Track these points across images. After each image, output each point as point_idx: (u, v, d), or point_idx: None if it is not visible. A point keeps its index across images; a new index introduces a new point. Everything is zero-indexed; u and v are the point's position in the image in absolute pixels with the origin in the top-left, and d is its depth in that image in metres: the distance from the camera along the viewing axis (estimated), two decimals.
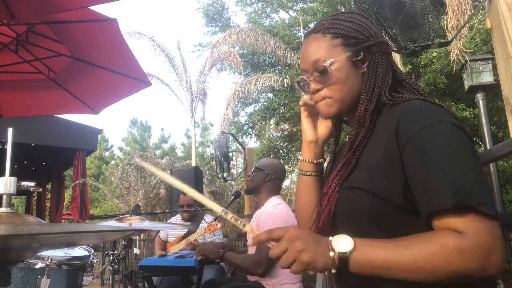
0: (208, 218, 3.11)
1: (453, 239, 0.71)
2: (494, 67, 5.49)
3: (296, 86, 1.08)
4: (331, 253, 0.77)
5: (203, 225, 3.26)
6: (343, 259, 0.76)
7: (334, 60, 0.95)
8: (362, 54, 0.96)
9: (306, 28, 13.23)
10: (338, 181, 0.91)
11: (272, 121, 15.83)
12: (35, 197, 10.13)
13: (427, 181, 0.77)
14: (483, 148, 8.34)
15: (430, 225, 0.78)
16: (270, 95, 15.04)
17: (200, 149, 27.68)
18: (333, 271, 0.77)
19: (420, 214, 0.80)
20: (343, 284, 0.96)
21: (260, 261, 2.11)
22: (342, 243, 0.77)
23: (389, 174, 0.83)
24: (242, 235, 5.90)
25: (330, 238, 0.78)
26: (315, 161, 1.10)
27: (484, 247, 0.70)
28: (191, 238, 3.07)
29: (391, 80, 0.96)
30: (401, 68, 9.15)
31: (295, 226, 0.83)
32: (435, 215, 0.76)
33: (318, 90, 0.99)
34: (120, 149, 30.72)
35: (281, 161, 16.03)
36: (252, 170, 2.45)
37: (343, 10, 12.96)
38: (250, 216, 3.74)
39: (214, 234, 3.33)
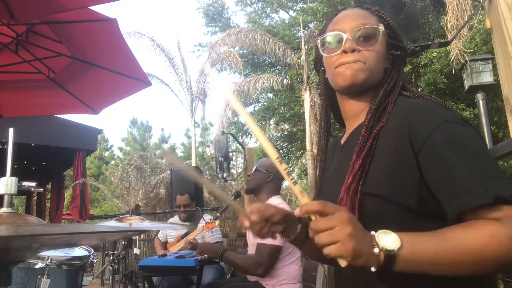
0: (207, 217, 3.13)
1: (501, 228, 0.70)
2: (494, 67, 5.49)
3: (317, 44, 1.01)
4: (376, 250, 0.69)
5: (201, 224, 3.27)
6: (390, 257, 0.69)
7: (383, 32, 0.95)
8: (393, 50, 0.99)
9: (306, 28, 13.23)
10: (355, 187, 0.86)
11: (272, 121, 15.84)
12: (35, 197, 10.13)
13: (452, 180, 0.75)
14: None
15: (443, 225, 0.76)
16: (270, 95, 15.05)
17: (200, 149, 27.69)
18: (372, 269, 0.70)
19: (436, 217, 0.79)
20: (343, 281, 0.96)
21: (260, 261, 2.11)
22: (388, 239, 0.70)
23: (401, 177, 0.82)
24: (242, 235, 5.89)
25: (373, 232, 0.72)
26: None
27: None
28: (190, 237, 3.08)
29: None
30: None
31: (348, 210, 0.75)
32: (468, 213, 0.74)
33: (353, 51, 0.93)
34: (120, 149, 30.73)
35: None
36: (253, 170, 2.45)
37: None
38: None
39: (212, 232, 3.34)
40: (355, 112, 1.00)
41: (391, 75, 0.96)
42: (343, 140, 1.07)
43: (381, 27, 0.95)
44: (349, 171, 0.89)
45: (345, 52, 0.93)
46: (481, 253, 0.69)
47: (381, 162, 0.85)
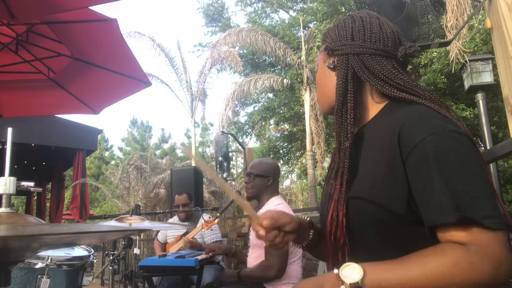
0: (206, 216, 3.13)
1: (464, 255, 0.71)
2: (494, 67, 5.49)
3: None
4: (342, 287, 0.73)
5: (200, 222, 3.27)
6: None
7: (317, 64, 1.08)
8: (331, 58, 1.01)
9: (306, 28, 13.24)
10: (340, 190, 0.90)
11: (272, 121, 15.84)
12: (35, 197, 10.13)
13: (430, 193, 0.76)
14: (483, 148, 8.33)
15: (433, 235, 0.78)
16: (270, 95, 15.05)
17: (200, 149, 27.70)
18: None
19: (424, 223, 0.79)
20: None
21: (271, 264, 2.10)
22: (351, 272, 0.74)
23: (392, 183, 0.82)
24: (242, 235, 5.89)
25: (336, 270, 0.75)
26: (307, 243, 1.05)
27: (494, 258, 0.70)
28: (189, 235, 3.08)
29: (378, 82, 0.93)
30: None
31: (300, 282, 0.80)
32: (439, 227, 0.76)
33: None
34: (120, 149, 30.74)
35: (281, 161, 16.04)
36: (251, 176, 2.39)
37: (343, 10, 12.97)
38: (250, 217, 3.73)
39: (212, 230, 3.34)
40: None
41: (337, 85, 0.96)
42: None
43: (319, 57, 1.06)
44: (334, 176, 0.93)
45: None
46: (444, 282, 0.70)
47: (375, 168, 0.86)
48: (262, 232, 0.89)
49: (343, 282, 0.73)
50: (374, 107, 0.97)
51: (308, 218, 1.07)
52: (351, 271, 0.74)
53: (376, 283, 0.73)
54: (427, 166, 0.77)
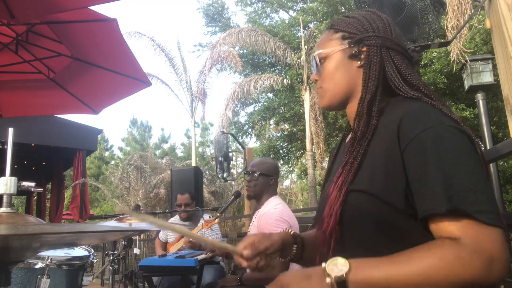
0: (207, 216, 3.13)
1: (452, 249, 0.69)
2: (494, 67, 5.49)
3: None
4: (328, 280, 0.73)
5: (201, 222, 3.27)
6: (341, 282, 0.72)
7: (326, 52, 1.01)
8: (356, 47, 0.97)
9: (306, 28, 13.24)
10: (342, 183, 0.89)
11: (272, 121, 15.84)
12: (35, 197, 10.13)
13: (424, 184, 0.76)
14: (483, 148, 8.31)
15: (427, 228, 0.77)
16: (270, 95, 15.06)
17: (200, 149, 27.70)
18: None
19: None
20: None
21: (273, 264, 2.10)
22: (337, 266, 0.74)
23: (391, 176, 0.82)
24: (242, 235, 5.90)
25: (323, 264, 0.75)
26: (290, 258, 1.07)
27: (485, 254, 0.68)
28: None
29: (395, 76, 0.93)
30: None
31: (284, 272, 0.80)
32: (430, 218, 0.75)
33: (317, 80, 1.05)
34: (120, 149, 30.76)
35: (281, 161, 16.04)
36: (254, 175, 2.38)
37: (343, 10, 12.96)
38: (250, 217, 3.74)
39: (212, 230, 3.34)
40: (353, 117, 1.02)
41: (364, 76, 0.95)
42: (347, 139, 1.08)
43: (322, 53, 1.01)
44: (339, 169, 0.92)
45: (314, 82, 1.08)
46: (431, 276, 0.69)
47: (374, 161, 0.86)
48: (245, 264, 0.90)
49: (328, 275, 0.73)
50: (381, 102, 0.96)
51: (292, 231, 1.07)
52: (337, 265, 0.74)
53: (361, 277, 0.72)
54: (424, 158, 0.77)
